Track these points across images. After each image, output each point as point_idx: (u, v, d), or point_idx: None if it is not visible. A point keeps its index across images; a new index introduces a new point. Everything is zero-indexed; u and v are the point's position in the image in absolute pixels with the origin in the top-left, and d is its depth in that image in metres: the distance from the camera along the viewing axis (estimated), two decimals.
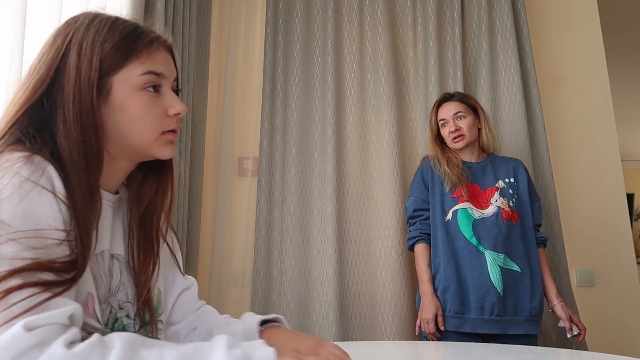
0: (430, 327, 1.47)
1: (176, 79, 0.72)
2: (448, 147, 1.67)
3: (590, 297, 1.96)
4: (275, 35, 2.16)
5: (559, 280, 1.85)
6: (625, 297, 1.98)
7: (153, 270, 0.74)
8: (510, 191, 1.59)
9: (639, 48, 3.57)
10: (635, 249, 2.09)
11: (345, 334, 1.85)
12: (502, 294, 1.46)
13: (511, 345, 1.10)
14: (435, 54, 2.05)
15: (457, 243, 1.52)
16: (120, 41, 0.64)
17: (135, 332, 0.70)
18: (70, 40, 0.64)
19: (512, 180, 1.61)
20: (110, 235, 0.69)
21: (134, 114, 0.65)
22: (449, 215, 1.56)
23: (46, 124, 0.61)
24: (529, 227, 1.57)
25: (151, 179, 0.76)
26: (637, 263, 2.16)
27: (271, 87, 2.10)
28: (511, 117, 1.99)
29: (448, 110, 1.64)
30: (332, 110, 2.03)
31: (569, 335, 1.49)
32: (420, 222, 1.63)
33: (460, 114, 1.62)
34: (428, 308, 1.49)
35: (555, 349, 1.09)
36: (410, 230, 1.66)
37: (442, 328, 1.46)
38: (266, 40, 2.15)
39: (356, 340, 1.82)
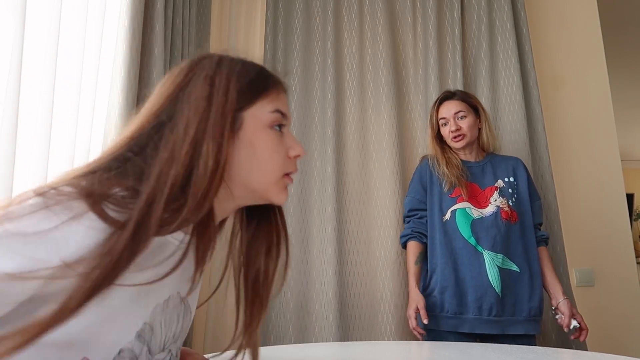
0: (411, 323, 1.48)
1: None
2: (448, 146, 1.66)
3: (590, 297, 1.96)
4: (275, 36, 2.16)
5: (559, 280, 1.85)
6: (625, 297, 1.98)
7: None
8: (510, 190, 1.59)
9: (639, 48, 3.57)
10: (635, 249, 2.09)
11: (345, 334, 1.85)
12: (500, 294, 1.45)
13: (511, 345, 1.10)
14: (435, 54, 2.05)
15: (456, 243, 1.52)
16: (254, 78, 0.63)
17: None
18: (195, 74, 0.61)
19: (511, 179, 1.61)
20: (180, 276, 0.62)
21: (263, 151, 0.62)
22: (448, 215, 1.56)
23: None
24: (529, 227, 1.56)
25: (263, 231, 0.71)
26: (637, 263, 2.16)
27: None
28: (511, 117, 1.99)
29: (449, 109, 1.63)
30: (331, 110, 2.03)
31: (566, 330, 1.48)
32: (414, 220, 1.64)
33: (461, 113, 1.61)
34: (410, 303, 1.51)
35: (555, 349, 1.09)
36: (405, 229, 1.68)
37: (425, 322, 1.46)
38: (266, 40, 2.15)
39: (356, 340, 1.82)
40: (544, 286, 1.54)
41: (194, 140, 0.56)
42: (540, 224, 1.64)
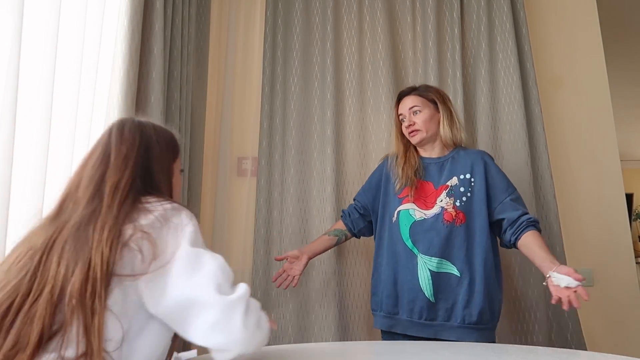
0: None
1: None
2: (411, 144, 1.61)
3: (590, 297, 1.95)
4: (275, 35, 2.16)
5: None
6: (624, 297, 1.98)
7: None
8: (462, 189, 1.49)
9: (638, 48, 3.57)
10: (634, 249, 2.09)
11: (345, 334, 1.85)
12: (432, 298, 1.42)
13: (511, 345, 1.10)
14: (435, 54, 2.05)
15: (397, 245, 1.51)
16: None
17: None
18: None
19: (467, 176, 1.51)
20: None
21: None
22: (395, 216, 1.53)
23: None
24: (479, 228, 1.45)
25: None
26: (637, 263, 2.17)
27: (270, 87, 2.10)
28: (510, 117, 1.99)
29: (405, 105, 1.59)
30: (331, 110, 2.03)
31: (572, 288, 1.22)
32: (351, 206, 1.72)
33: (415, 108, 1.56)
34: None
35: (555, 349, 1.08)
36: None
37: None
38: (265, 40, 2.15)
39: (356, 340, 1.82)
40: (539, 264, 1.35)
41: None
42: (525, 214, 1.46)
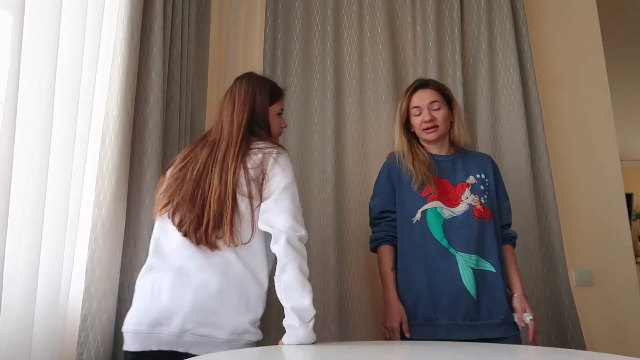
0: (395, 336, 1.37)
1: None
2: (415, 139, 1.56)
3: (590, 297, 1.96)
4: (275, 35, 2.16)
5: (558, 280, 1.85)
6: (624, 297, 1.98)
7: None
8: (482, 187, 1.49)
9: (638, 48, 3.57)
10: (634, 249, 2.09)
11: (345, 334, 1.85)
12: (476, 297, 1.37)
13: (512, 345, 1.10)
14: (435, 54, 2.05)
15: (428, 246, 1.42)
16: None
17: None
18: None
19: (482, 175, 1.51)
20: None
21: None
22: (418, 216, 1.45)
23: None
24: (497, 225, 1.49)
25: None
26: (636, 263, 2.17)
27: None
28: (510, 117, 1.99)
29: (423, 98, 1.52)
30: (331, 110, 2.03)
31: (521, 325, 1.39)
32: (385, 223, 1.51)
33: (436, 104, 1.51)
34: (393, 315, 1.40)
35: (555, 348, 1.08)
36: (373, 232, 1.55)
37: (407, 336, 1.38)
38: (265, 40, 2.15)
39: (356, 340, 1.82)
40: (507, 285, 1.45)
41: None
42: (509, 225, 1.56)
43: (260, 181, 1.21)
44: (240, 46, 2.23)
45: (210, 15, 2.14)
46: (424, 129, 1.52)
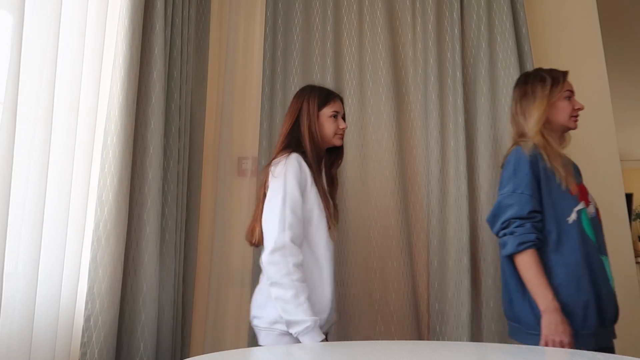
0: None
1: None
2: (549, 132, 1.42)
3: None
4: (275, 35, 2.16)
5: None
6: (624, 297, 1.98)
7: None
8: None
9: (638, 48, 3.57)
10: (634, 249, 2.09)
11: (345, 334, 1.85)
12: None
13: (512, 345, 1.10)
14: (435, 54, 2.05)
15: (587, 248, 1.32)
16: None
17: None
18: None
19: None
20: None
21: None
22: (573, 216, 1.34)
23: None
24: None
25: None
26: (636, 263, 2.16)
27: (270, 87, 2.10)
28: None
29: (572, 85, 1.44)
30: None
31: None
32: (532, 224, 1.33)
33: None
34: (567, 329, 1.25)
35: (555, 349, 1.08)
36: (515, 233, 1.34)
37: (568, 347, 1.27)
38: (265, 40, 2.15)
39: (356, 340, 1.82)
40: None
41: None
42: None
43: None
44: (240, 46, 2.23)
45: (210, 15, 2.14)
46: (573, 118, 1.43)
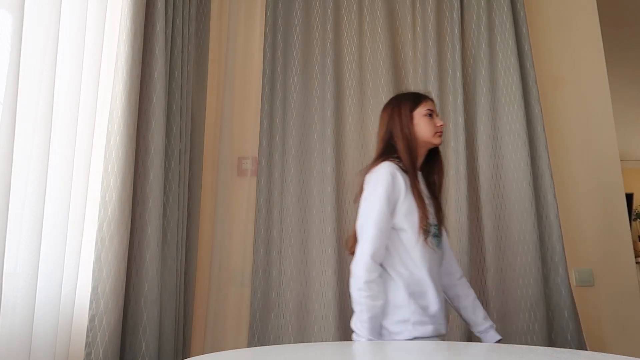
0: None
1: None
2: None
3: (590, 297, 1.96)
4: (275, 35, 2.16)
5: (558, 280, 1.85)
6: (624, 297, 1.98)
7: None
8: None
9: (639, 48, 3.57)
10: (634, 249, 2.09)
11: (345, 334, 1.85)
12: None
13: (511, 345, 1.10)
14: (435, 54, 2.05)
15: None
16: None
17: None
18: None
19: None
20: None
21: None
22: None
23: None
24: None
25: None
26: (637, 263, 2.17)
27: (270, 87, 2.10)
28: (510, 117, 1.99)
29: None
30: (331, 110, 2.03)
31: None
32: None
33: None
34: None
35: (555, 348, 1.08)
36: None
37: None
38: (265, 40, 2.15)
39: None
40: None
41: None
42: None
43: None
44: (240, 46, 2.23)
45: (210, 15, 2.15)
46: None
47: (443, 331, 1.34)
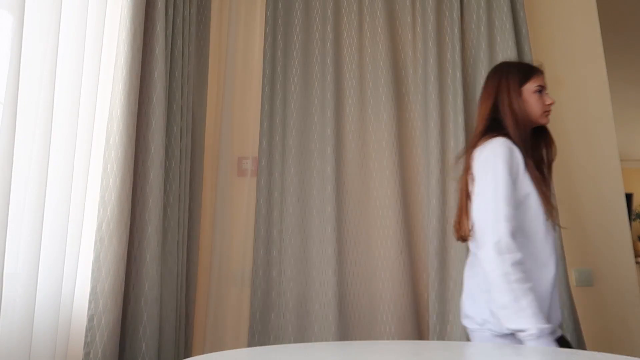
0: None
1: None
2: None
3: (589, 297, 1.96)
4: (275, 35, 2.16)
5: (559, 280, 1.85)
6: (623, 297, 1.99)
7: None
8: None
9: (638, 48, 3.57)
10: (634, 249, 2.09)
11: (345, 334, 1.85)
12: None
13: (511, 345, 1.10)
14: (435, 54, 2.05)
15: None
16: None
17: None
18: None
19: None
20: None
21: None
22: None
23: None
24: None
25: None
26: (636, 263, 2.17)
27: (270, 87, 2.10)
28: None
29: None
30: (331, 110, 2.03)
31: None
32: None
33: None
34: None
35: (555, 348, 1.08)
36: None
37: None
38: (265, 40, 2.15)
39: (355, 340, 1.82)
40: None
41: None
42: None
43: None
44: (240, 46, 2.23)
45: (210, 15, 2.15)
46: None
47: (558, 321, 1.23)
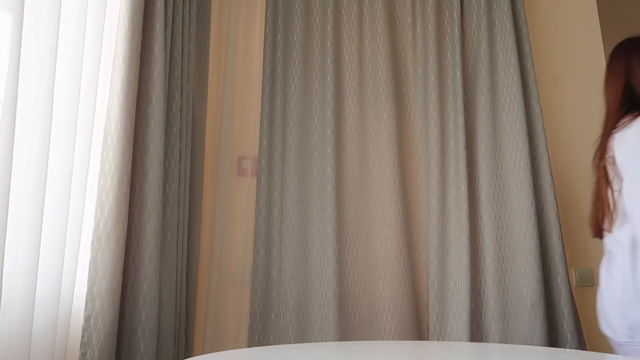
0: None
1: None
2: None
3: (590, 297, 1.96)
4: (275, 35, 2.16)
5: (558, 280, 1.85)
6: None
7: None
8: None
9: None
10: None
11: (345, 334, 1.85)
12: None
13: (511, 345, 1.10)
14: (435, 53, 2.05)
15: None
16: None
17: None
18: None
19: None
20: None
21: None
22: None
23: None
24: None
25: None
26: None
27: (270, 87, 2.10)
28: (510, 117, 1.99)
29: None
30: (331, 110, 2.03)
31: None
32: None
33: None
34: None
35: (555, 349, 1.08)
36: None
37: None
38: (265, 39, 2.15)
39: (355, 340, 1.82)
40: None
41: None
42: None
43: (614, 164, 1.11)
44: (240, 46, 2.23)
45: (210, 15, 2.15)
46: None
47: None
